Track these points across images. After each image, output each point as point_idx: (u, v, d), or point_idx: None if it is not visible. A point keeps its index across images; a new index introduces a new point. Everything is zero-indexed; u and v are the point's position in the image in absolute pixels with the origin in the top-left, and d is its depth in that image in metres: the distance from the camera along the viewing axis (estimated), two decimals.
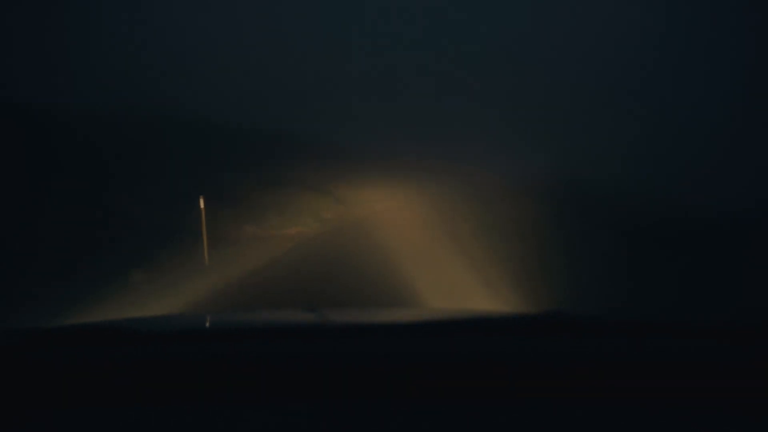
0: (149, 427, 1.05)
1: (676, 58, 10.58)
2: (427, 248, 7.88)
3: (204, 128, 11.33)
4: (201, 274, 6.88)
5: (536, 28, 11.00)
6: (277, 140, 11.51)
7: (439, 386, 1.14)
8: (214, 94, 11.23)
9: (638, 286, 6.54)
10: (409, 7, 11.94)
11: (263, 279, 6.77)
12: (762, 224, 7.83)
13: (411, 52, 11.65)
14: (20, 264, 6.58)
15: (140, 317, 2.18)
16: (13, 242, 7.12)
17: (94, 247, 7.46)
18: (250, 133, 11.52)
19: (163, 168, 10.09)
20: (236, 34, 11.70)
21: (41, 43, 10.53)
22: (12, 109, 9.68)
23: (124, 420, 1.06)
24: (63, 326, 1.56)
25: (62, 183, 8.74)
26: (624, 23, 10.47)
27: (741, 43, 10.11)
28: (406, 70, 11.54)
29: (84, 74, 10.70)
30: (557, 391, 1.13)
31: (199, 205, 7.67)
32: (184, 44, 11.18)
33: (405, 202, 10.19)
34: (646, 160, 9.62)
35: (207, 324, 1.71)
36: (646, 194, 9.09)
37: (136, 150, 10.21)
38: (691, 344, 1.29)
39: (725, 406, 1.09)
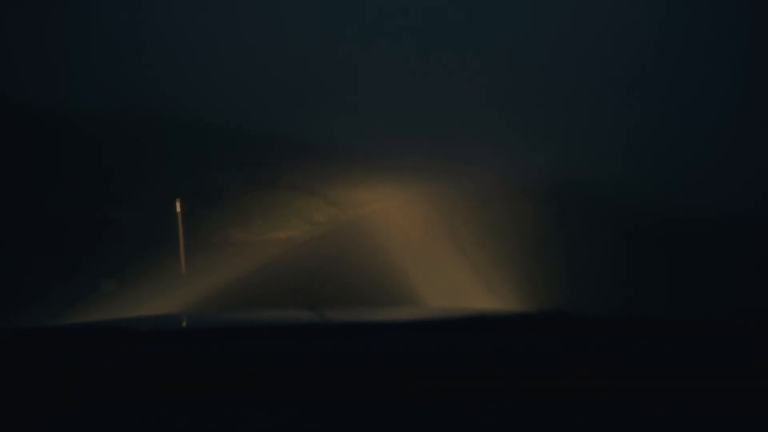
0: (149, 427, 1.05)
1: (676, 57, 10.58)
2: (426, 253, 7.54)
3: (191, 127, 10.87)
4: (176, 284, 6.43)
5: (536, 28, 10.99)
6: (268, 140, 11.07)
7: (439, 385, 1.14)
8: (202, 92, 10.93)
9: (638, 286, 6.54)
10: (406, 4, 11.81)
11: (243, 291, 6.28)
12: (762, 224, 7.83)
13: (408, 50, 11.52)
14: None
15: (140, 316, 2.18)
16: None
17: (64, 252, 7.05)
18: (240, 132, 11.07)
19: (145, 168, 9.63)
20: (226, 30, 11.46)
21: (14, 43, 10.23)
22: None
23: (123, 420, 1.06)
24: (63, 326, 1.56)
25: (33, 184, 8.30)
26: (624, 23, 10.46)
27: (741, 43, 10.11)
28: (403, 68, 11.40)
29: (65, 70, 10.42)
30: (557, 390, 1.13)
31: (184, 208, 7.22)
32: (171, 41, 10.93)
33: (401, 203, 9.80)
34: (647, 160, 9.61)
35: (207, 323, 1.71)
36: (646, 194, 9.08)
37: (116, 149, 9.74)
38: (691, 344, 1.29)
39: (725, 406, 1.09)
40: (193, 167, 10.00)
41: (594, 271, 6.82)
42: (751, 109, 9.40)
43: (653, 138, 9.89)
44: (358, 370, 1.17)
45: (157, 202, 8.10)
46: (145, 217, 8.24)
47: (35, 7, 10.64)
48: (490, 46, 11.00)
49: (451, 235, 8.07)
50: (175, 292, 6.10)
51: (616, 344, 1.26)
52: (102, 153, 9.52)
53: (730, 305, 5.92)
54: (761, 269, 6.65)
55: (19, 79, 9.77)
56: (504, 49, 10.87)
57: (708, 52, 10.27)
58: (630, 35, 10.41)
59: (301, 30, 11.57)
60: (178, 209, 7.00)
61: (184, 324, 1.71)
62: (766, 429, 1.05)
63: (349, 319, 1.62)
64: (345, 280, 6.48)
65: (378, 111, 10.83)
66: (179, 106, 10.53)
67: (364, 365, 1.18)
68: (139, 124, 10.32)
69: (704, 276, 6.81)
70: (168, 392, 1.15)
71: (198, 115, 10.67)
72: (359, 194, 10.16)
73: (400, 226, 8.83)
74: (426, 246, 7.85)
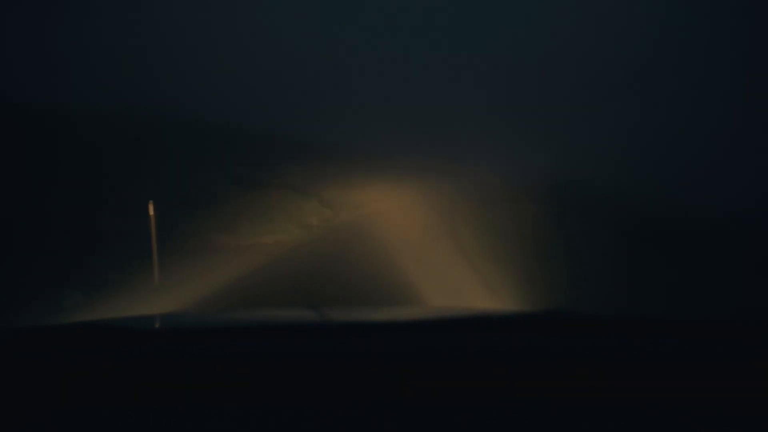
0: (149, 427, 1.05)
1: (675, 57, 10.59)
2: (425, 258, 7.23)
3: (178, 125, 10.19)
4: (147, 295, 6.02)
5: (534, 27, 10.97)
6: (261, 139, 10.40)
7: (439, 385, 1.14)
8: (192, 88, 10.32)
9: (639, 288, 6.55)
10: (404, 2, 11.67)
11: (217, 305, 5.89)
12: (762, 224, 7.83)
13: (406, 48, 11.33)
14: None
15: (140, 316, 2.18)
16: None
17: (26, 258, 6.55)
18: (227, 129, 10.42)
19: (126, 167, 9.00)
20: (216, 25, 10.96)
21: None
22: None
23: (123, 420, 1.06)
24: (63, 325, 1.56)
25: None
26: (623, 23, 10.47)
27: (741, 43, 10.12)
28: (400, 67, 11.20)
29: (46, 64, 9.93)
30: (557, 390, 1.13)
31: (163, 210, 6.72)
32: (159, 37, 10.43)
33: (399, 203, 9.37)
34: (647, 160, 9.61)
35: (206, 323, 1.71)
36: (646, 194, 9.08)
37: (95, 146, 9.14)
38: (691, 344, 1.29)
39: (725, 406, 1.09)
40: (179, 167, 9.39)
41: (595, 273, 6.83)
42: (752, 109, 9.41)
43: (653, 138, 9.89)
44: (358, 370, 1.17)
45: (136, 204, 7.39)
46: (122, 220, 7.64)
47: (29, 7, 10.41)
48: (489, 45, 10.96)
49: (451, 236, 7.88)
50: (144, 305, 5.77)
51: (616, 344, 1.26)
52: (79, 151, 8.99)
53: (731, 305, 5.93)
54: (761, 269, 6.66)
55: None
56: (503, 48, 10.84)
57: (708, 53, 10.28)
58: (629, 35, 10.42)
59: (296, 26, 11.28)
60: (151, 212, 6.44)
61: (183, 323, 1.71)
62: (766, 429, 1.05)
63: (348, 319, 1.62)
64: (336, 294, 6.08)
65: (376, 110, 10.51)
66: (165, 101, 10.02)
67: (363, 365, 1.18)
68: (121, 120, 9.78)
69: (704, 276, 6.82)
70: (167, 392, 1.15)
71: (187, 111, 10.13)
72: (356, 195, 9.64)
73: (398, 229, 8.42)
74: (425, 249, 7.55)
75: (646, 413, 1.06)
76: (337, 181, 9.77)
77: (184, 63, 10.49)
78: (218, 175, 9.56)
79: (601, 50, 10.42)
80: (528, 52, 10.85)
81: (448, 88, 10.74)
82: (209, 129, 10.37)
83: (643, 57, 10.61)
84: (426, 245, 7.69)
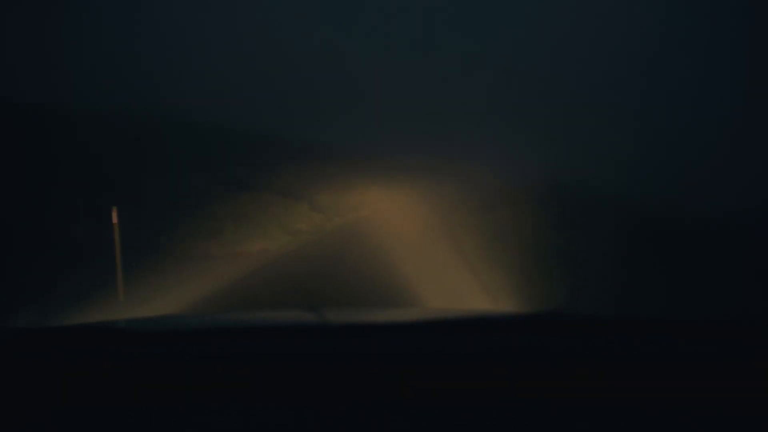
0: (148, 428, 1.05)
1: (676, 58, 10.59)
2: (423, 264, 6.81)
3: (163, 124, 9.62)
4: (109, 313, 5.47)
5: (534, 27, 10.95)
6: (245, 138, 9.80)
7: (439, 386, 1.14)
8: (179, 87, 9.83)
9: (641, 290, 6.54)
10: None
11: None
12: (763, 225, 7.84)
13: (401, 45, 11.17)
14: None
15: (140, 317, 2.18)
16: None
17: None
18: (213, 129, 9.85)
19: (105, 169, 8.33)
20: (207, 26, 10.73)
21: None
22: None
23: (123, 420, 1.07)
24: (63, 326, 1.56)
25: None
26: (624, 24, 10.47)
27: (742, 44, 10.12)
28: (396, 64, 11.04)
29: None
30: (557, 391, 1.13)
31: (137, 215, 6.30)
32: (148, 35, 10.08)
33: (395, 206, 8.90)
34: (648, 161, 9.61)
35: (205, 324, 1.71)
36: (646, 195, 9.07)
37: (66, 146, 8.51)
38: (691, 344, 1.29)
39: (725, 406, 1.09)
40: (162, 168, 8.77)
41: (596, 275, 6.82)
42: (752, 110, 9.41)
43: (653, 139, 9.89)
44: (358, 371, 1.17)
45: (105, 210, 6.65)
46: (91, 228, 6.97)
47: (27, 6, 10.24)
48: (488, 45, 10.93)
49: (449, 240, 7.59)
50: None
51: (616, 344, 1.27)
52: (51, 151, 8.41)
53: (731, 305, 5.93)
54: (761, 270, 6.66)
55: None
56: (503, 48, 10.81)
57: (709, 53, 10.28)
58: (630, 36, 10.42)
59: (287, 25, 11.07)
60: (115, 220, 5.78)
61: (183, 325, 1.71)
62: (766, 429, 1.05)
63: (348, 320, 1.62)
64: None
65: (371, 110, 10.29)
66: (149, 100, 9.58)
67: (363, 366, 1.18)
68: (102, 119, 9.23)
69: (704, 276, 6.82)
70: (167, 393, 1.15)
71: (170, 110, 9.63)
72: (349, 198, 9.07)
73: (393, 234, 7.90)
74: (422, 256, 7.13)
75: (646, 413, 1.06)
76: (330, 184, 9.26)
77: (168, 61, 10.09)
78: (201, 176, 8.89)
79: (602, 51, 10.41)
80: (527, 52, 10.84)
81: (447, 87, 10.70)
82: (194, 129, 9.86)
83: (643, 58, 10.60)
84: (424, 251, 7.27)
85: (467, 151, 9.50)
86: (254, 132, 9.92)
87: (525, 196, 8.97)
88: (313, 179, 9.20)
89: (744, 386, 1.14)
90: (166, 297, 5.87)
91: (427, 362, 1.19)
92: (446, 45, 11.26)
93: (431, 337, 1.31)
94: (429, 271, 6.69)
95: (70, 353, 1.25)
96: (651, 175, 9.40)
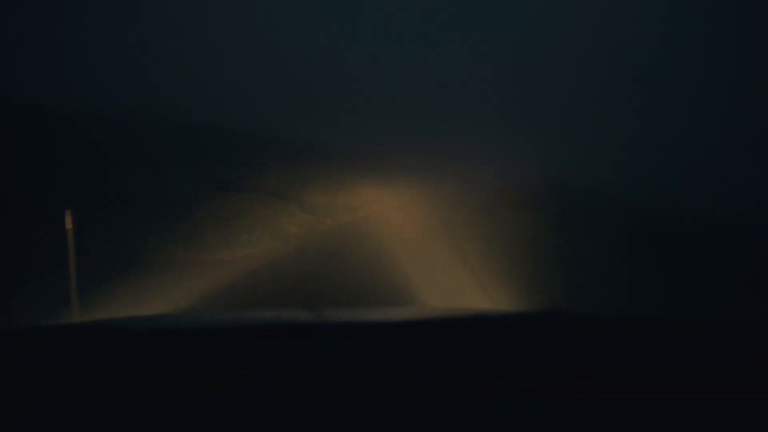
0: (148, 427, 1.05)
1: (676, 59, 10.58)
2: (420, 268, 6.48)
3: (148, 121, 9.06)
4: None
5: (534, 28, 10.94)
6: (234, 137, 9.28)
7: (438, 386, 1.14)
8: (157, 81, 9.39)
9: (641, 290, 6.54)
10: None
11: None
12: (762, 225, 7.84)
13: (396, 43, 11.02)
14: None
15: (140, 316, 2.18)
16: None
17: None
18: (199, 127, 9.29)
19: (83, 169, 7.79)
20: (198, 23, 10.47)
21: None
22: None
23: (123, 420, 1.07)
24: (62, 325, 1.56)
25: None
26: (624, 25, 10.47)
27: (742, 45, 10.12)
28: (392, 62, 10.88)
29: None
30: (557, 391, 1.13)
31: (112, 217, 5.83)
32: (136, 33, 9.81)
33: (390, 208, 8.52)
34: (648, 161, 9.60)
35: (205, 323, 1.71)
36: (647, 196, 9.07)
37: (49, 145, 8.00)
38: (691, 344, 1.29)
39: (725, 406, 1.09)
40: (143, 168, 8.19)
41: (596, 277, 6.82)
42: (752, 110, 9.41)
43: (653, 138, 9.89)
44: (357, 370, 1.17)
45: (83, 212, 6.02)
46: (58, 231, 6.17)
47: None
48: (488, 45, 10.90)
49: (448, 242, 7.34)
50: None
51: (616, 344, 1.27)
52: (27, 150, 7.90)
53: (730, 305, 5.93)
54: (761, 270, 6.67)
55: None
56: (502, 48, 10.79)
57: (709, 55, 10.28)
58: (630, 37, 10.41)
59: (279, 24, 10.86)
60: (69, 225, 5.05)
61: (182, 323, 1.71)
62: (766, 429, 1.05)
63: (347, 319, 1.62)
64: None
65: (365, 108, 10.05)
66: (132, 97, 9.15)
67: (362, 366, 1.18)
68: (86, 117, 8.72)
69: (705, 277, 6.82)
70: (166, 392, 1.15)
71: (155, 108, 9.18)
72: (342, 199, 8.60)
73: (388, 237, 7.48)
74: (418, 259, 6.80)
75: (646, 413, 1.06)
76: (323, 184, 8.80)
77: (153, 57, 9.79)
78: (186, 177, 8.34)
79: (602, 51, 10.40)
80: (527, 52, 10.82)
81: (447, 87, 10.66)
82: (179, 126, 9.33)
83: (643, 58, 10.60)
84: (421, 258, 6.92)
85: (467, 152, 9.43)
86: (240, 130, 9.50)
87: (524, 196, 8.89)
88: (305, 179, 8.78)
89: (744, 386, 1.14)
90: (125, 310, 5.37)
91: (427, 361, 1.19)
92: (446, 45, 11.21)
93: (431, 336, 1.31)
94: (427, 282, 6.36)
95: (70, 353, 1.25)
96: (651, 176, 9.40)
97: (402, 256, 6.89)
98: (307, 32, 10.81)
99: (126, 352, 1.25)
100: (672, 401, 1.10)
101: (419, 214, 8.17)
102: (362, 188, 8.89)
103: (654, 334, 1.33)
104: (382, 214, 8.39)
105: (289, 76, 10.32)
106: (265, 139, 9.38)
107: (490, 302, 6.16)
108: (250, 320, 1.69)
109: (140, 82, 9.58)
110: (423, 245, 7.28)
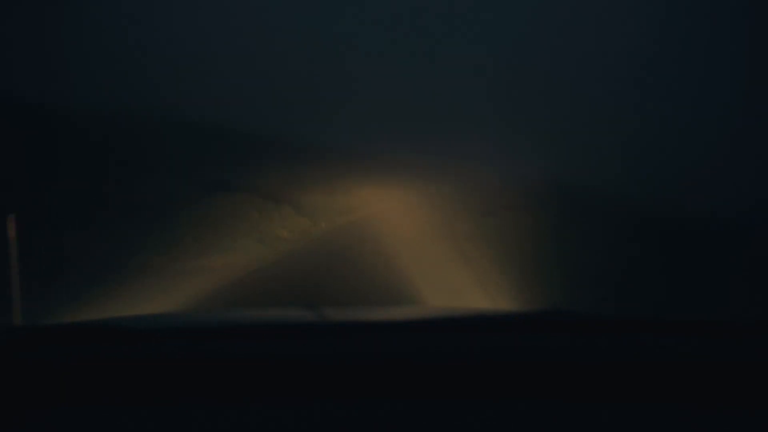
0: (148, 427, 1.05)
1: (676, 59, 10.58)
2: (421, 274, 6.27)
3: (135, 120, 8.63)
4: None
5: (534, 27, 10.92)
6: (231, 137, 8.81)
7: (438, 385, 1.14)
8: (143, 77, 9.03)
9: (641, 290, 6.54)
10: None
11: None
12: (763, 225, 7.85)
13: (394, 41, 10.95)
14: None
15: (139, 315, 2.18)
16: None
17: None
18: (185, 124, 8.79)
19: (60, 170, 7.41)
20: (190, 21, 10.32)
21: None
22: None
23: (123, 420, 1.07)
24: (62, 325, 1.56)
25: None
26: (623, 23, 10.46)
27: (742, 45, 10.12)
28: (389, 60, 10.80)
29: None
30: (557, 390, 1.13)
31: (86, 220, 5.42)
32: (127, 30, 9.51)
33: (388, 209, 8.25)
34: (648, 161, 9.60)
35: (205, 322, 1.71)
36: (647, 196, 9.07)
37: (28, 145, 7.65)
38: (691, 344, 1.29)
39: (725, 406, 1.09)
40: (128, 169, 7.75)
41: (594, 271, 6.82)
42: (753, 111, 9.41)
43: (653, 138, 9.89)
44: (357, 370, 1.17)
45: (59, 215, 5.85)
46: (38, 235, 5.85)
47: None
48: (488, 44, 10.88)
49: (448, 245, 7.18)
50: None
51: (616, 344, 1.27)
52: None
53: (731, 305, 5.94)
54: (761, 270, 6.67)
55: None
56: (502, 47, 10.78)
57: (709, 54, 10.28)
58: (630, 36, 10.40)
59: (273, 22, 10.74)
60: (12, 232, 4.50)
61: (182, 323, 1.71)
62: (766, 429, 1.05)
63: (348, 319, 1.62)
64: None
65: (362, 106, 9.93)
66: (117, 94, 8.79)
67: (362, 365, 1.18)
68: (69, 116, 8.35)
69: (705, 276, 6.83)
70: (166, 391, 1.15)
71: (141, 103, 8.79)
72: (338, 200, 8.22)
73: (386, 241, 7.15)
74: (420, 263, 6.58)
75: (646, 413, 1.06)
76: (318, 184, 8.42)
77: (138, 53, 9.43)
78: (169, 175, 7.88)
79: (601, 50, 10.40)
80: (526, 52, 10.81)
81: (447, 87, 10.64)
82: (164, 123, 8.88)
83: (643, 57, 10.60)
84: (422, 262, 6.70)
85: (467, 151, 9.39)
86: (229, 126, 9.04)
87: (524, 196, 8.87)
88: (300, 179, 8.40)
89: (744, 386, 1.14)
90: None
91: (427, 361, 1.19)
92: (446, 45, 11.19)
93: (431, 335, 1.31)
94: (427, 283, 6.20)
95: (70, 353, 1.25)
96: (651, 176, 9.40)
97: (401, 256, 6.72)
98: (306, 32, 10.76)
99: (126, 352, 1.25)
100: (672, 401, 1.10)
101: (419, 216, 7.99)
102: (360, 189, 8.60)
103: (654, 334, 1.33)
104: (381, 214, 8.15)
105: (289, 76, 10.25)
106: (262, 138, 9.05)
107: (491, 302, 6.15)
108: (249, 320, 1.69)
109: (140, 81, 9.48)
110: (422, 245, 7.13)
